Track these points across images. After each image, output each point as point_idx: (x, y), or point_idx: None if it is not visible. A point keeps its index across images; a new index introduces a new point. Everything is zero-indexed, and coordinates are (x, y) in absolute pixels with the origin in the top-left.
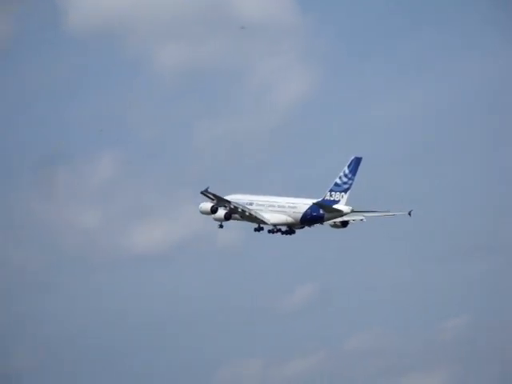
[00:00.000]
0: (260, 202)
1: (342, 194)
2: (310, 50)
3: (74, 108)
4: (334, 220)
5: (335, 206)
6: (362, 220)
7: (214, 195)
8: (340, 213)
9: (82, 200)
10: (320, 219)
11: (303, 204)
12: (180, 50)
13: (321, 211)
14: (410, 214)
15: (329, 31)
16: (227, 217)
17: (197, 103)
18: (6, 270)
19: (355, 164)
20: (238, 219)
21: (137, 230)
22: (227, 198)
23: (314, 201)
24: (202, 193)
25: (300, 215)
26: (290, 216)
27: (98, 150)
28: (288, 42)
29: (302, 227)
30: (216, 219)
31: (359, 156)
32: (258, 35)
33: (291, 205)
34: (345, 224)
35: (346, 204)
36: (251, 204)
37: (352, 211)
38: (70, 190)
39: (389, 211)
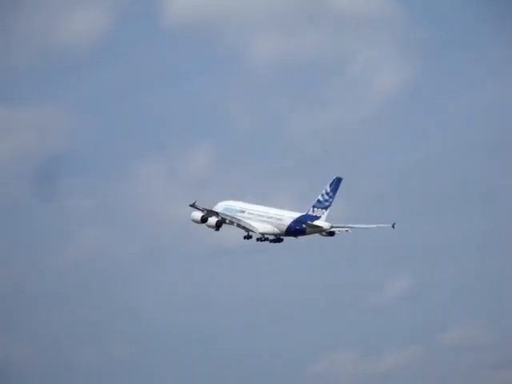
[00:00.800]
0: (251, 211)
1: (323, 210)
2: (407, 41)
3: (172, 99)
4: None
5: (315, 223)
6: (347, 231)
7: (203, 208)
8: (320, 228)
9: (180, 189)
10: (302, 233)
11: (288, 217)
12: (276, 43)
13: (303, 225)
14: (393, 226)
15: (427, 22)
16: (218, 224)
17: (294, 95)
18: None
19: (336, 184)
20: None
21: None
22: (221, 204)
23: (299, 215)
24: (190, 206)
25: (285, 227)
26: (276, 227)
27: (195, 142)
28: (385, 33)
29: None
30: (209, 226)
31: (340, 177)
32: (354, 26)
33: (278, 216)
34: (332, 234)
35: (326, 220)
36: (243, 212)
37: (331, 227)
38: (168, 178)
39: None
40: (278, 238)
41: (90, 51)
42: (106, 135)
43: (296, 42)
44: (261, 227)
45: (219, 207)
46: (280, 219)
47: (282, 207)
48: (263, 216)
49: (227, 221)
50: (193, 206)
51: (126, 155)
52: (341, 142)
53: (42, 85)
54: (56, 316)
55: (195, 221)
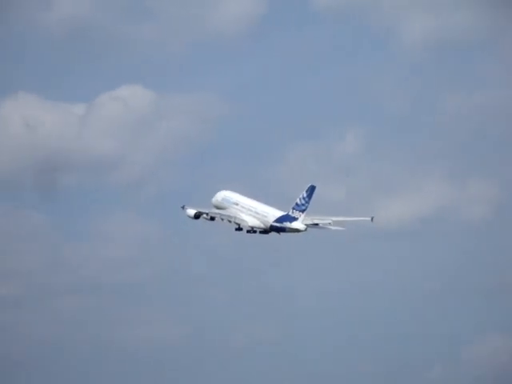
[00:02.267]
0: (243, 205)
1: (300, 213)
2: None
3: (322, 82)
4: (307, 223)
5: (293, 224)
6: (329, 223)
7: (198, 212)
8: (297, 230)
9: (329, 173)
10: (283, 230)
11: (272, 215)
12: (426, 23)
13: (283, 224)
14: (372, 219)
15: None
16: (212, 218)
17: (445, 77)
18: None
19: (311, 191)
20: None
21: (382, 204)
22: (220, 193)
23: (282, 214)
24: (181, 207)
25: (269, 224)
26: (262, 222)
27: (343, 124)
28: None
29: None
30: (205, 218)
31: (314, 185)
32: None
33: (264, 213)
34: (316, 225)
35: (302, 222)
36: (237, 204)
37: (306, 229)
38: (317, 164)
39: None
40: (264, 231)
41: (241, 37)
42: (256, 122)
43: (447, 21)
44: (250, 221)
45: (218, 196)
46: (265, 216)
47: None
48: (252, 211)
49: (217, 217)
50: (183, 208)
51: (275, 141)
52: (500, 125)
53: (195, 72)
54: None
55: (189, 217)
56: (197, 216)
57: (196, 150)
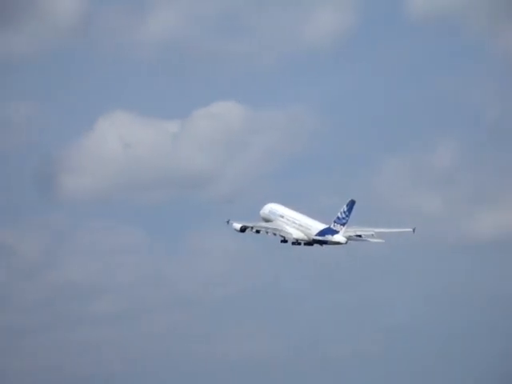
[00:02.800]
0: (288, 217)
1: (341, 226)
2: None
3: (416, 93)
4: (350, 235)
5: (334, 238)
6: (372, 235)
7: (243, 225)
8: (338, 243)
9: (426, 185)
10: (325, 243)
11: (315, 228)
12: None
13: (325, 237)
14: (414, 230)
15: None
16: (257, 231)
17: None
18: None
19: (351, 205)
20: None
21: (484, 215)
22: (267, 206)
23: (324, 227)
24: (226, 222)
25: (312, 236)
26: (306, 235)
27: (437, 133)
28: None
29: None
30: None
31: (354, 200)
32: None
33: (308, 226)
34: (359, 237)
35: (344, 234)
36: (282, 216)
37: (346, 242)
38: (416, 174)
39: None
40: (308, 243)
41: (333, 50)
42: (348, 134)
43: None
44: (294, 233)
45: (266, 209)
46: (309, 229)
47: None
48: (296, 223)
49: (261, 231)
50: (228, 223)
51: (368, 153)
52: None
53: (287, 86)
54: None
55: (236, 230)
56: (243, 229)
57: (289, 164)
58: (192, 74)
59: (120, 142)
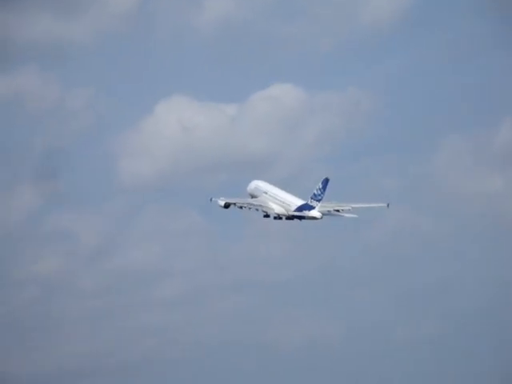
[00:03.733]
0: (271, 194)
1: (317, 202)
2: None
3: (474, 76)
4: (325, 210)
5: (311, 213)
6: (349, 210)
7: (227, 202)
8: (314, 218)
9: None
10: (303, 218)
11: (294, 204)
12: None
13: (303, 212)
14: (388, 205)
15: None
16: (240, 207)
17: None
18: None
19: (325, 183)
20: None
21: None
22: (253, 182)
23: (302, 203)
24: (210, 200)
25: (291, 211)
26: (286, 210)
27: (499, 114)
28: None
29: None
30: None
31: (328, 178)
32: None
33: (288, 202)
34: (337, 211)
35: (319, 210)
36: (266, 193)
37: (321, 217)
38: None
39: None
40: (289, 217)
41: (391, 33)
42: (405, 116)
43: None
44: (276, 209)
45: (252, 185)
46: (289, 204)
47: None
48: (278, 200)
49: (244, 207)
50: (211, 200)
51: (426, 135)
52: None
53: (344, 69)
54: None
55: (220, 206)
56: (226, 206)
57: (347, 146)
58: (249, 57)
59: (179, 126)
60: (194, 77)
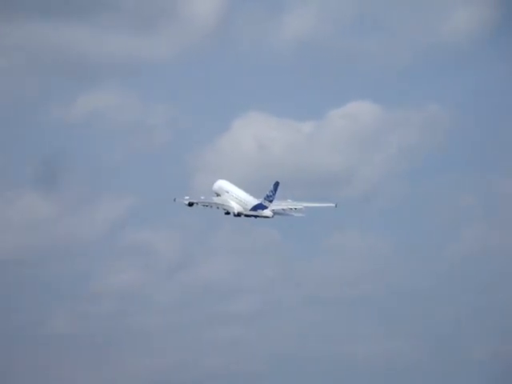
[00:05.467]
0: (232, 193)
1: (269, 203)
2: None
3: None
4: (275, 209)
5: (264, 212)
6: (301, 209)
7: (190, 201)
8: (266, 217)
9: None
10: (257, 216)
11: (250, 204)
12: None
13: (257, 211)
14: (336, 205)
15: None
16: (204, 206)
17: None
18: None
19: (275, 186)
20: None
21: None
22: (217, 182)
23: (257, 203)
24: (173, 200)
25: (247, 211)
26: (244, 209)
27: None
28: None
29: None
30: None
31: (278, 181)
32: None
33: (245, 201)
34: (291, 210)
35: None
36: (228, 192)
37: (273, 216)
38: None
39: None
40: (247, 215)
41: (469, 46)
42: (485, 132)
43: None
44: (236, 207)
45: (216, 185)
46: (246, 203)
47: None
48: (237, 199)
49: (205, 205)
50: (176, 201)
51: (505, 152)
52: None
53: (422, 84)
54: None
55: (185, 204)
56: (190, 204)
57: (425, 162)
58: (327, 73)
59: (255, 142)
60: (271, 93)
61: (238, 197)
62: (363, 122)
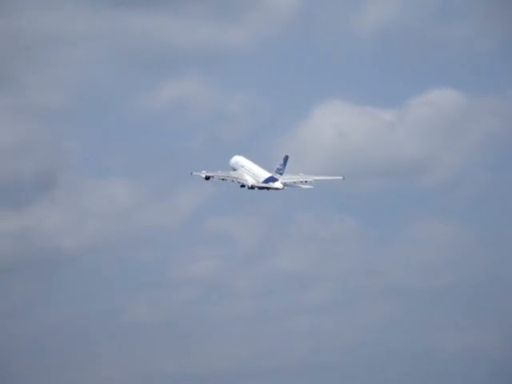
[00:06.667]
0: (246, 167)
1: (279, 175)
2: None
3: None
4: (286, 181)
5: (275, 184)
6: (311, 181)
7: (207, 175)
8: (277, 188)
9: None
10: (269, 188)
11: (262, 176)
12: None
13: (268, 184)
14: (343, 178)
15: None
16: (220, 179)
17: None
18: None
19: (285, 160)
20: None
21: None
22: (234, 158)
23: (268, 175)
24: (190, 174)
25: (260, 183)
26: (256, 181)
27: None
28: None
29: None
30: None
31: (288, 155)
32: None
33: (258, 174)
34: (302, 182)
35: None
36: (243, 166)
37: (283, 188)
38: None
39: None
40: (260, 187)
41: None
42: None
43: None
44: (250, 180)
45: (232, 160)
46: (258, 176)
47: None
48: (251, 173)
49: (222, 178)
50: (191, 174)
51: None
52: None
53: (505, 71)
54: None
55: (202, 178)
56: (207, 178)
57: (508, 151)
58: (408, 61)
59: (335, 131)
60: (351, 81)
61: (251, 170)
62: (445, 110)
